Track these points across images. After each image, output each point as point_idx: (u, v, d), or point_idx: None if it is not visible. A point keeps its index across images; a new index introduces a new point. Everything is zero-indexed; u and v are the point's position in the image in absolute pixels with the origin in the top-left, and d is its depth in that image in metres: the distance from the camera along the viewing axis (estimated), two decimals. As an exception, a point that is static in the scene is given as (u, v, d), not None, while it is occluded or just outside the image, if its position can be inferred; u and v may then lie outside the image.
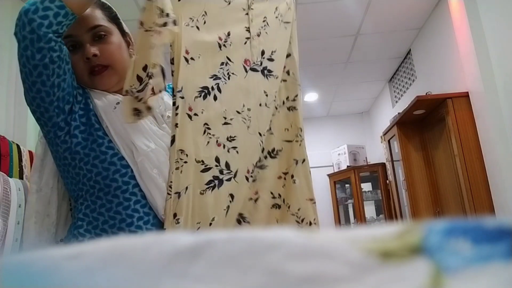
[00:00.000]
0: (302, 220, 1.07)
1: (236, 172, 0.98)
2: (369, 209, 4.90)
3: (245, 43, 1.06)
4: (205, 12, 0.99)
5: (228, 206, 0.96)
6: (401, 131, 3.43)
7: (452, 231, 0.22)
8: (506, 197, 2.46)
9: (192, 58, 0.95)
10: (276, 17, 1.14)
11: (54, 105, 0.85)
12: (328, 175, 5.25)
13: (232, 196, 0.97)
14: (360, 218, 4.62)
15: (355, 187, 4.74)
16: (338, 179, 5.14)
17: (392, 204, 4.12)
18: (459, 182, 2.78)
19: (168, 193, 0.87)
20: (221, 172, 0.95)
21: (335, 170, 5.18)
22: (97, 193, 0.87)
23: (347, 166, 4.95)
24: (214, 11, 1.01)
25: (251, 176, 1.02)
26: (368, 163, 4.95)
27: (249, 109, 1.04)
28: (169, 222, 0.85)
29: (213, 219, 0.92)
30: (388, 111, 4.67)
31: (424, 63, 3.68)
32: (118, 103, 0.91)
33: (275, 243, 0.23)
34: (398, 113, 3.50)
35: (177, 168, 0.87)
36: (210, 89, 0.98)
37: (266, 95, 1.08)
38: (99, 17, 0.95)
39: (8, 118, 2.53)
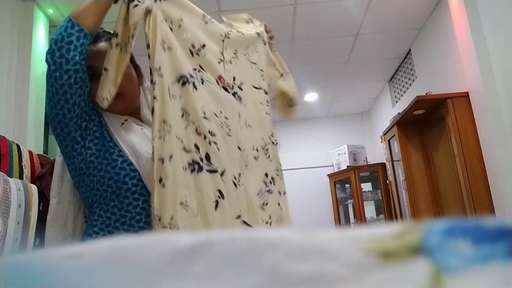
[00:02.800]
0: None
1: (224, 172, 1.01)
2: (369, 209, 4.90)
3: (219, 63, 1.13)
4: (182, 19, 1.05)
5: (217, 202, 0.98)
6: (401, 131, 3.43)
7: (452, 231, 0.22)
8: (506, 197, 2.46)
9: (169, 48, 1.00)
10: (244, 55, 1.23)
11: (73, 121, 0.99)
12: (328, 175, 5.25)
13: (221, 193, 0.99)
14: (360, 218, 4.62)
15: (355, 187, 4.74)
16: (338, 179, 5.14)
17: (392, 204, 4.12)
18: (459, 182, 2.78)
19: (152, 159, 0.94)
20: (201, 159, 0.98)
21: (335, 170, 5.18)
22: (110, 196, 0.99)
23: (347, 166, 4.95)
24: (191, 22, 1.08)
25: (239, 184, 1.05)
26: (368, 163, 4.95)
27: (226, 118, 1.08)
28: (156, 186, 0.90)
29: (199, 203, 0.95)
30: (388, 111, 4.67)
31: (424, 63, 3.68)
32: (126, 120, 1.08)
33: (275, 243, 0.23)
34: (398, 113, 3.50)
35: (159, 137, 0.93)
36: (189, 79, 1.02)
37: (239, 117, 1.14)
38: None
39: (8, 118, 2.53)
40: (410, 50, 3.95)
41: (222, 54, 1.15)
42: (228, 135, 1.06)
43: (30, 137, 2.59)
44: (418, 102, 2.99)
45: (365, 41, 3.72)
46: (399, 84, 4.42)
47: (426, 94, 3.08)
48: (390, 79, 4.68)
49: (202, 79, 1.06)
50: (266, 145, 1.21)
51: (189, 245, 0.25)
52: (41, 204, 2.06)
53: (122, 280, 0.24)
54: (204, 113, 1.02)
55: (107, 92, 0.97)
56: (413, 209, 3.28)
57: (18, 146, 2.18)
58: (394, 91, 4.61)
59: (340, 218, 5.10)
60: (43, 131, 2.74)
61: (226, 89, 1.13)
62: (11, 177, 1.96)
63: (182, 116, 0.99)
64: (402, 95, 4.33)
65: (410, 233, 0.23)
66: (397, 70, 4.42)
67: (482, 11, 2.68)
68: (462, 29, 2.83)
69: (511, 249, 0.20)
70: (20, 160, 2.15)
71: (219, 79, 1.11)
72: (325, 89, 4.86)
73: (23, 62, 2.67)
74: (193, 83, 1.02)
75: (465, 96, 2.83)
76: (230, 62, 1.17)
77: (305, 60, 4.02)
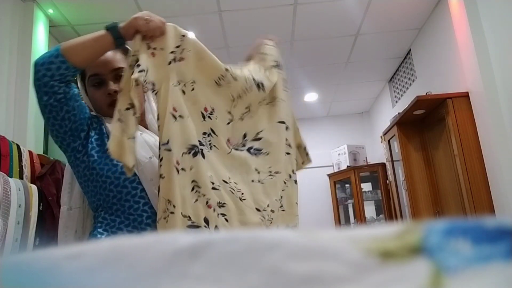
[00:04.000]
0: None
1: None
2: (369, 209, 4.89)
3: (228, 123, 1.12)
4: (195, 81, 1.05)
5: None
6: (401, 131, 3.43)
7: (452, 231, 0.22)
8: (506, 197, 2.46)
9: (180, 116, 1.00)
10: (259, 103, 1.19)
11: (68, 134, 1.04)
12: (328, 175, 5.25)
13: None
14: (360, 218, 4.62)
15: (355, 187, 4.74)
16: (338, 179, 5.13)
17: (392, 204, 4.12)
18: (459, 182, 2.78)
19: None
20: None
21: (335, 170, 5.17)
22: (112, 200, 1.03)
23: (347, 166, 4.95)
24: (204, 83, 1.07)
25: None
26: (368, 163, 4.95)
27: (236, 183, 1.06)
28: None
29: None
30: (388, 111, 4.67)
31: (424, 63, 3.68)
32: None
33: (275, 243, 0.23)
34: (398, 113, 3.50)
35: (164, 218, 0.94)
36: (198, 147, 1.01)
37: (258, 172, 1.11)
38: (121, 60, 1.14)
39: (8, 118, 2.53)
40: (410, 50, 3.95)
41: (231, 113, 1.13)
42: (241, 199, 1.04)
43: (30, 137, 2.59)
44: (418, 102, 2.99)
45: (365, 41, 3.72)
46: (399, 84, 4.41)
47: (426, 94, 3.08)
48: (390, 79, 4.68)
49: (210, 145, 1.05)
50: (285, 187, 1.17)
51: (189, 245, 0.25)
52: (41, 204, 2.06)
53: (122, 280, 0.24)
54: (213, 183, 1.00)
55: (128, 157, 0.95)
56: (413, 209, 3.28)
57: (18, 146, 2.18)
58: (394, 91, 4.61)
59: (340, 218, 5.10)
60: (43, 131, 2.74)
61: (237, 149, 1.11)
62: (11, 177, 1.96)
63: (193, 189, 0.97)
64: (402, 95, 4.33)
65: (410, 233, 0.23)
66: (397, 70, 4.42)
67: (482, 11, 2.67)
68: (462, 29, 2.83)
69: (511, 249, 0.20)
70: (20, 160, 2.15)
71: (228, 142, 1.10)
72: (325, 89, 4.86)
73: (23, 62, 2.67)
74: (201, 151, 1.01)
75: (465, 96, 2.83)
76: (242, 119, 1.14)
77: (305, 60, 4.02)
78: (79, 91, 1.12)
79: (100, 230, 1.02)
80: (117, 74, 1.12)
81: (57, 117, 1.02)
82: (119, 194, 1.02)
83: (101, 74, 1.11)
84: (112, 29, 1.01)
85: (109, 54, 1.10)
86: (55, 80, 0.99)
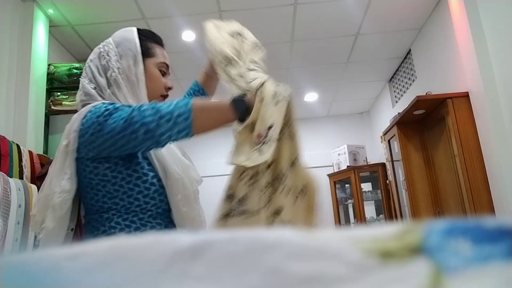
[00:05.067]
0: None
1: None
2: (369, 209, 4.89)
3: None
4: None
5: None
6: (401, 131, 3.43)
7: (452, 231, 0.22)
8: (506, 197, 2.46)
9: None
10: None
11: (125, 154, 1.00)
12: (328, 175, 5.24)
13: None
14: (360, 218, 4.62)
15: (355, 187, 4.73)
16: (338, 179, 5.13)
17: (392, 204, 4.12)
18: (459, 182, 2.78)
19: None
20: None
21: (335, 170, 5.17)
22: (134, 208, 0.99)
23: (347, 166, 4.95)
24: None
25: None
26: (368, 163, 4.95)
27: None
28: None
29: None
30: (388, 111, 4.67)
31: (424, 63, 3.68)
32: None
33: (275, 243, 0.23)
34: (398, 113, 3.50)
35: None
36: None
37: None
38: None
39: (8, 118, 2.53)
40: (410, 50, 3.94)
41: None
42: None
43: (30, 137, 2.59)
44: (418, 102, 2.99)
45: (365, 41, 3.72)
46: (399, 84, 4.41)
47: (426, 94, 3.08)
48: (390, 79, 4.68)
49: None
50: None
51: (189, 245, 0.25)
52: (41, 204, 2.06)
53: (122, 280, 0.24)
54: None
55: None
56: (413, 209, 3.28)
57: (18, 146, 2.18)
58: (394, 91, 4.60)
59: (340, 218, 5.10)
60: (43, 131, 2.74)
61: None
62: (11, 177, 1.96)
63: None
64: (402, 95, 4.33)
65: (410, 233, 0.23)
66: (397, 70, 4.42)
67: (482, 11, 2.67)
68: (462, 29, 2.83)
69: (511, 249, 0.20)
70: (20, 160, 2.15)
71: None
72: (325, 89, 4.85)
73: (23, 62, 2.67)
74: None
75: (465, 96, 2.83)
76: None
77: (305, 60, 4.02)
78: (131, 63, 1.06)
79: (113, 235, 0.98)
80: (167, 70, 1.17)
81: (131, 149, 0.97)
82: (144, 204, 0.99)
83: (168, 67, 1.14)
84: (238, 103, 0.94)
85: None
86: (164, 142, 0.94)
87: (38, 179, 2.22)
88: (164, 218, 1.02)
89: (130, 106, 0.96)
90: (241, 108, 0.93)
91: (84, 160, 0.98)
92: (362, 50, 3.89)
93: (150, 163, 1.02)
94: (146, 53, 1.10)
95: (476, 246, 0.21)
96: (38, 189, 2.06)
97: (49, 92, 2.91)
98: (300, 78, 4.36)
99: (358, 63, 4.16)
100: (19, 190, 1.89)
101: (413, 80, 3.97)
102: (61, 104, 2.87)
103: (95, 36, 3.25)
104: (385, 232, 0.24)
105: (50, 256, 0.26)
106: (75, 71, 2.98)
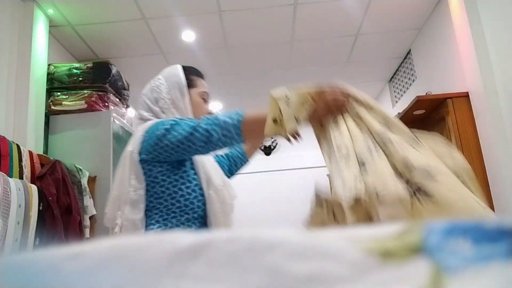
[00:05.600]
0: None
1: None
2: (369, 209, 4.88)
3: None
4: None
5: None
6: (401, 131, 3.42)
7: (452, 231, 0.22)
8: (506, 197, 2.46)
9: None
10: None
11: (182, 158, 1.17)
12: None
13: None
14: (360, 218, 4.61)
15: (355, 187, 4.72)
16: (338, 179, 5.12)
17: (392, 204, 4.11)
18: (459, 182, 2.77)
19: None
20: None
21: (335, 170, 5.16)
22: (174, 209, 1.13)
23: (347, 166, 4.94)
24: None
25: None
26: (368, 163, 4.94)
27: None
28: None
29: None
30: (388, 111, 4.66)
31: (424, 63, 3.68)
32: None
33: (275, 243, 0.23)
34: (398, 113, 3.50)
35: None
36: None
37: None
38: None
39: (8, 118, 2.53)
40: (410, 50, 3.94)
41: None
42: None
43: (30, 137, 2.58)
44: (418, 102, 2.99)
45: (365, 41, 3.71)
46: (399, 84, 4.41)
47: (426, 94, 3.08)
48: (390, 79, 4.68)
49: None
50: None
51: (189, 245, 0.25)
52: (41, 204, 2.06)
53: (122, 280, 0.24)
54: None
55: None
56: (413, 209, 3.27)
57: (18, 146, 2.18)
58: (394, 91, 4.60)
59: (340, 218, 5.09)
60: (43, 131, 2.74)
61: None
62: (11, 177, 1.96)
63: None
64: (402, 95, 4.33)
65: (410, 233, 0.23)
66: (397, 70, 4.42)
67: (482, 11, 2.67)
68: (462, 29, 2.83)
69: (511, 249, 0.20)
70: (20, 160, 2.15)
71: None
72: (325, 89, 4.85)
73: (23, 62, 2.67)
74: None
75: (465, 96, 2.82)
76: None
77: (305, 60, 4.02)
78: (178, 94, 1.25)
79: (153, 227, 1.12)
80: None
81: (184, 155, 1.13)
82: (184, 207, 1.13)
83: (208, 95, 1.33)
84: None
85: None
86: (219, 147, 1.09)
87: (38, 179, 2.21)
88: (197, 223, 1.14)
89: (192, 120, 1.12)
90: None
91: (142, 162, 1.14)
92: (362, 50, 3.89)
93: (195, 173, 1.18)
94: (190, 85, 1.29)
95: (476, 246, 0.21)
96: (38, 189, 2.06)
97: (49, 92, 2.91)
98: (300, 78, 4.36)
99: (358, 63, 4.16)
100: (19, 190, 1.89)
101: (413, 80, 3.97)
102: (61, 104, 2.86)
103: (95, 36, 3.25)
104: (385, 232, 0.24)
105: (49, 256, 0.26)
106: (75, 71, 2.98)
